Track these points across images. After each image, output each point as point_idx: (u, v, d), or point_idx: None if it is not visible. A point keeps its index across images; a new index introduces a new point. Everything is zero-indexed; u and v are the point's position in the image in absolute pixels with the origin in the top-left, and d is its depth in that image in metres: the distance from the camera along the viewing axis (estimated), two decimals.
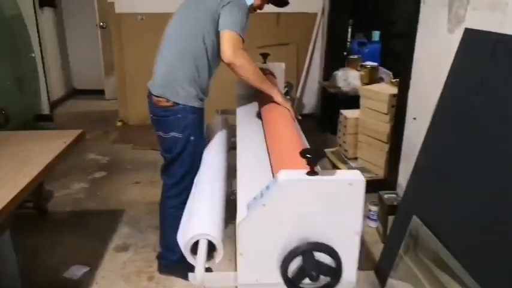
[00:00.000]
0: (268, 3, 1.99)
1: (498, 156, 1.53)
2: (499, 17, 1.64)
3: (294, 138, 1.56)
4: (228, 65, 1.75)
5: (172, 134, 1.92)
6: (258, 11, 2.00)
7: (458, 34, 1.91)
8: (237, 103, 2.62)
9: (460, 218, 1.66)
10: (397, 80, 3.82)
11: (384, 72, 4.10)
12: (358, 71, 3.96)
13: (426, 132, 1.99)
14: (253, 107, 2.31)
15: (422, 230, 1.87)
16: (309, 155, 1.06)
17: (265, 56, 2.76)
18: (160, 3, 3.68)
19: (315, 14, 4.60)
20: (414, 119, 2.41)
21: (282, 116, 1.85)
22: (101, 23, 5.15)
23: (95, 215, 2.87)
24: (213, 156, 2.01)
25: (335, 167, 3.32)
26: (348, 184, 1.08)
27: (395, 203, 2.46)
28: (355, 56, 4.10)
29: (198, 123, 1.95)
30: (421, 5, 2.33)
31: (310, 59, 4.71)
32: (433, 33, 2.21)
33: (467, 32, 1.84)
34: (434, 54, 2.20)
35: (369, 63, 3.91)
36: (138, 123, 4.56)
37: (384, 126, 2.89)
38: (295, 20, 4.56)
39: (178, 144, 1.93)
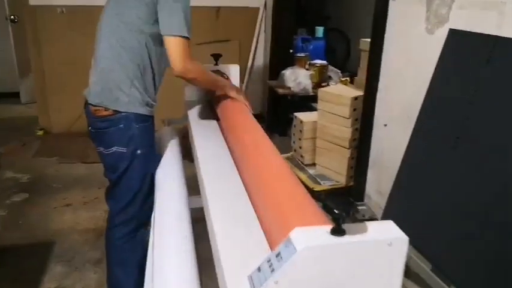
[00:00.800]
0: None
1: (497, 173, 1.37)
2: (495, 17, 1.47)
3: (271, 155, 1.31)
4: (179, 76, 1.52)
5: (115, 148, 1.60)
6: None
7: (440, 35, 1.74)
8: (188, 112, 2.30)
9: (453, 240, 1.48)
10: (347, 78, 3.73)
11: (332, 71, 3.96)
12: (307, 69, 3.78)
13: (408, 143, 1.81)
14: (206, 107, 2.15)
15: (413, 256, 1.69)
16: (336, 212, 0.77)
17: (217, 57, 2.44)
18: None
19: (257, 9, 4.33)
20: (385, 125, 2.23)
21: (242, 116, 1.73)
22: (12, 16, 4.47)
23: (18, 251, 2.37)
24: (170, 181, 1.68)
25: None
26: (386, 245, 0.81)
27: (366, 217, 2.28)
28: (303, 54, 3.90)
29: (146, 134, 1.64)
30: (390, 1, 2.14)
31: (254, 57, 4.44)
32: (406, 33, 2.03)
33: (453, 33, 1.66)
34: (408, 57, 2.02)
35: (318, 62, 3.75)
36: (63, 131, 4.01)
37: (346, 131, 2.70)
38: (236, 14, 4.26)
39: (123, 160, 1.61)
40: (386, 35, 2.18)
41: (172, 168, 1.79)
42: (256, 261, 0.86)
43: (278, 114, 4.19)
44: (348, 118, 2.66)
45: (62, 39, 3.75)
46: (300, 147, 3.09)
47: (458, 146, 1.51)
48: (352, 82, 3.56)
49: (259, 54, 4.48)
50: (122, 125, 1.57)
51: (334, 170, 2.85)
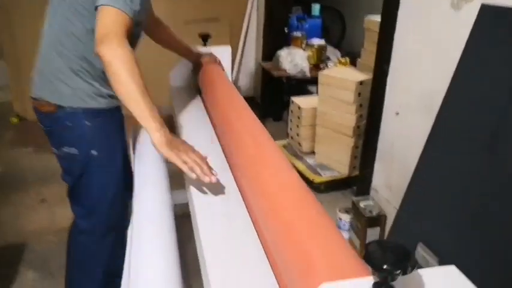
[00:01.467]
0: None
1: None
2: None
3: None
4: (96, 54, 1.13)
5: (65, 149, 1.34)
6: None
7: (469, 11, 1.49)
8: (173, 98, 2.05)
9: (478, 250, 1.27)
10: (346, 59, 3.46)
11: (330, 51, 3.69)
12: (304, 50, 3.50)
13: (428, 137, 1.57)
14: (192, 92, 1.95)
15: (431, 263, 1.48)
16: (386, 268, 0.53)
17: (205, 37, 2.18)
18: None
19: None
20: (397, 114, 1.99)
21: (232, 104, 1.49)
22: None
23: None
24: (151, 183, 1.42)
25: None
26: None
27: (374, 214, 2.06)
28: (299, 34, 3.61)
29: (102, 131, 1.35)
30: None
31: (245, 36, 4.14)
32: (425, 8, 1.77)
33: (486, 9, 1.41)
34: (427, 37, 1.77)
35: (316, 42, 3.47)
36: None
37: (349, 119, 2.46)
38: None
39: (76, 163, 1.36)
40: (399, 12, 1.92)
41: (154, 166, 1.55)
42: None
43: (272, 97, 3.92)
44: (352, 104, 2.41)
45: (37, 20, 3.40)
46: (298, 135, 2.85)
47: (495, 148, 1.28)
48: (352, 63, 3.31)
49: (251, 34, 4.18)
50: (68, 122, 1.30)
51: (336, 159, 2.62)
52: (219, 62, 2.05)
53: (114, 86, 1.12)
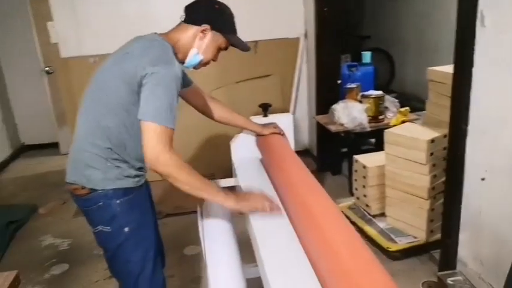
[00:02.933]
0: (225, 49, 1.56)
1: None
2: None
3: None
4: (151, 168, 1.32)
5: (100, 227, 1.48)
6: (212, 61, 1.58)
7: None
8: (236, 170, 2.00)
9: None
10: (407, 109, 3.32)
11: (388, 100, 3.55)
12: (360, 102, 3.39)
13: None
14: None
15: None
16: None
17: (266, 107, 2.13)
18: (113, 42, 3.00)
19: (297, 39, 4.01)
20: (482, 179, 1.81)
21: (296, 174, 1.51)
22: (47, 68, 4.36)
23: None
24: (220, 252, 1.45)
25: (356, 227, 2.69)
26: None
27: None
28: (353, 85, 3.52)
29: (132, 208, 1.48)
30: (478, 27, 1.75)
31: (297, 90, 4.10)
32: (505, 65, 1.64)
33: None
34: (510, 93, 1.62)
35: (373, 93, 3.35)
36: None
37: (423, 179, 2.29)
38: (276, 47, 3.97)
39: (110, 240, 1.49)
40: (475, 68, 1.79)
41: (221, 235, 1.57)
42: None
43: (329, 150, 3.81)
44: (425, 164, 2.25)
45: None
46: (365, 196, 2.69)
47: None
48: (412, 111, 3.16)
49: (303, 87, 4.14)
50: (101, 203, 1.44)
51: (410, 223, 2.44)
52: (283, 133, 1.99)
53: (180, 187, 1.30)
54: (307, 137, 4.29)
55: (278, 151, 1.82)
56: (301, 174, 1.55)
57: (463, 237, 1.98)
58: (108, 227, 1.46)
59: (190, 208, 2.47)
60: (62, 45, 3.53)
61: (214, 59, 1.55)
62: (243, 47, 1.55)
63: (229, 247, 1.51)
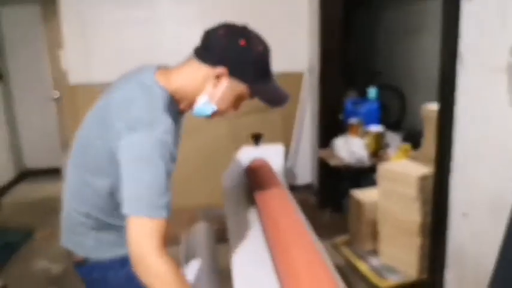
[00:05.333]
0: (251, 98, 1.19)
1: None
2: None
3: None
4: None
5: None
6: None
7: None
8: (226, 200, 2.00)
9: None
10: (408, 145, 3.30)
11: (389, 136, 3.56)
12: (361, 137, 3.40)
13: (503, 245, 1.36)
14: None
15: None
16: None
17: (257, 137, 2.16)
18: (121, 71, 3.11)
19: (301, 74, 4.08)
20: (464, 215, 1.79)
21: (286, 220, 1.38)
22: (55, 95, 4.51)
23: None
24: None
25: (349, 263, 2.65)
26: None
27: None
28: (355, 121, 3.54)
29: (135, 280, 1.12)
30: (458, 66, 1.77)
31: (301, 125, 4.14)
32: (483, 105, 1.65)
33: None
34: (487, 134, 1.63)
35: (374, 128, 3.37)
36: None
37: (414, 216, 2.26)
38: (279, 81, 3.99)
39: None
40: (456, 106, 1.80)
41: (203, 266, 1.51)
42: None
43: (331, 185, 3.79)
44: (415, 200, 2.23)
45: None
46: (359, 231, 2.66)
47: None
48: (413, 147, 3.14)
49: (307, 122, 4.18)
50: (95, 275, 1.20)
51: (402, 260, 2.39)
52: None
53: None
54: (310, 172, 4.29)
55: (263, 183, 1.80)
56: (282, 208, 1.52)
57: (448, 274, 1.93)
58: None
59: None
60: (70, 73, 3.67)
61: (236, 108, 1.20)
62: (276, 101, 1.20)
63: (207, 274, 1.51)
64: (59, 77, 3.97)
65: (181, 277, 1.02)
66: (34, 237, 3.49)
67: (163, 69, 1.17)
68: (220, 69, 1.10)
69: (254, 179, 1.94)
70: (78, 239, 1.19)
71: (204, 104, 1.14)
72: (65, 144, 4.68)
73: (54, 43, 3.97)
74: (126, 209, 1.01)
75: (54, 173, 4.92)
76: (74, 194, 1.19)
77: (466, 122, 1.76)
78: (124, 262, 1.13)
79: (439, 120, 1.89)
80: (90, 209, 1.16)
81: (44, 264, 3.05)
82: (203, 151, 3.54)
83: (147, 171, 1.00)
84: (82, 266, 1.21)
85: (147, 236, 0.98)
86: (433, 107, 2.44)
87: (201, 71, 1.12)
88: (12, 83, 5.00)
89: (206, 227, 1.88)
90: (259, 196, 1.74)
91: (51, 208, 4.00)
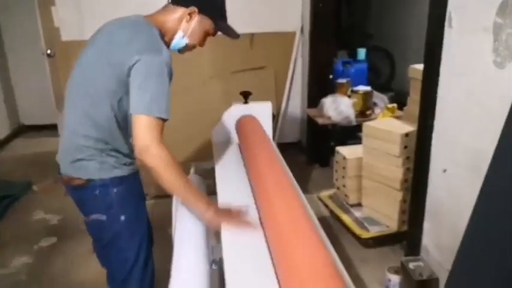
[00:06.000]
0: (213, 35, 1.50)
1: None
2: None
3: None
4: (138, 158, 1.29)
5: (95, 216, 1.44)
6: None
7: None
8: (215, 154, 2.09)
9: None
10: (394, 105, 3.40)
11: (377, 97, 3.64)
12: (349, 96, 3.48)
13: (477, 201, 1.48)
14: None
15: None
16: None
17: (246, 95, 2.23)
18: None
19: (293, 34, 4.09)
20: (444, 171, 1.91)
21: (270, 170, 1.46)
22: (48, 51, 4.47)
23: None
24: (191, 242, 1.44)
25: (334, 215, 2.80)
26: None
27: (425, 277, 1.95)
28: (344, 80, 3.60)
29: (127, 196, 1.45)
30: (446, 28, 1.84)
31: (291, 83, 4.20)
32: (468, 65, 1.72)
33: None
34: (471, 93, 1.71)
35: (361, 88, 3.44)
36: None
37: (396, 171, 2.39)
38: (271, 40, 4.04)
39: (105, 229, 1.45)
40: (442, 67, 1.87)
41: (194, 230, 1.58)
42: None
43: (319, 143, 3.90)
44: (398, 157, 2.35)
45: None
46: (344, 186, 2.79)
47: None
48: (400, 108, 3.23)
49: (297, 80, 4.23)
50: (97, 192, 1.39)
51: (384, 213, 2.53)
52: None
53: (161, 183, 1.26)
54: (299, 130, 4.38)
55: (251, 137, 1.89)
56: (268, 161, 1.58)
57: (427, 225, 2.08)
58: (104, 216, 1.41)
59: None
60: (63, 29, 3.65)
61: (201, 44, 1.49)
62: (232, 34, 1.49)
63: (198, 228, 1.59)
64: (52, 34, 3.93)
65: (175, 163, 1.25)
66: (32, 190, 3.58)
67: (146, 15, 1.42)
68: (192, 9, 1.40)
69: (242, 134, 2.02)
70: (82, 163, 1.36)
71: (180, 39, 1.43)
72: (59, 101, 4.69)
73: (47, 1, 3.90)
74: (135, 109, 1.23)
75: (49, 128, 4.96)
76: (79, 123, 1.35)
77: (451, 81, 1.84)
78: (122, 180, 1.41)
79: (423, 79, 1.97)
80: (99, 132, 1.35)
81: (42, 215, 3.16)
82: (195, 108, 3.59)
83: (155, 82, 1.24)
84: (84, 187, 1.38)
85: (151, 131, 1.21)
86: (419, 67, 2.51)
87: (178, 12, 1.41)
88: (5, 40, 4.94)
89: (198, 178, 1.97)
90: (247, 151, 1.83)
91: (49, 162, 4.10)
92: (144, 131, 1.22)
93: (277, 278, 1.05)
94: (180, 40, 1.43)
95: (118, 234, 1.44)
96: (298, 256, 0.96)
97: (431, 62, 1.92)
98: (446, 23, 1.83)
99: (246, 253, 1.18)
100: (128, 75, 1.27)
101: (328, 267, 0.91)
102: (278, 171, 1.45)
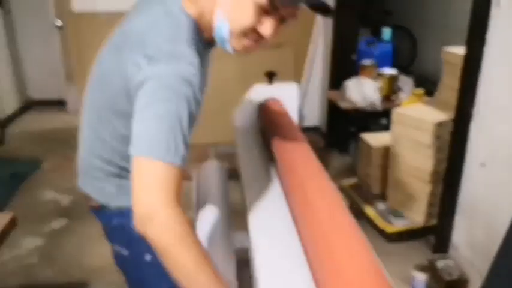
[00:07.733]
0: (274, 11, 0.92)
1: None
2: None
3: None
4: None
5: (116, 248, 1.16)
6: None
7: None
8: (237, 140, 1.96)
9: None
10: (421, 90, 3.21)
11: (402, 80, 3.45)
12: (374, 80, 3.30)
13: None
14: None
15: None
16: None
17: (271, 75, 2.08)
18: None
19: None
20: (482, 165, 1.75)
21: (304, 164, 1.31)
22: (58, 23, 4.34)
23: None
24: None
25: (356, 207, 2.66)
26: None
27: (455, 277, 1.82)
28: (369, 62, 3.42)
29: None
30: (493, 7, 1.65)
31: (312, 63, 4.01)
32: None
33: None
34: None
35: (388, 71, 3.25)
36: None
37: (426, 162, 2.23)
38: None
39: (129, 267, 1.16)
40: (486, 50, 1.70)
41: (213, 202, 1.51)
42: None
43: (338, 128, 3.75)
44: (430, 147, 2.19)
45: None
46: (368, 175, 2.65)
47: None
48: (427, 93, 3.05)
49: (318, 61, 4.04)
50: (114, 222, 1.11)
51: (411, 206, 2.39)
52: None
53: (167, 263, 0.84)
54: (318, 113, 4.22)
55: (278, 127, 1.74)
56: (300, 153, 1.47)
57: (457, 222, 1.95)
58: (126, 251, 1.13)
59: None
60: (74, 0, 3.51)
61: (257, 28, 0.91)
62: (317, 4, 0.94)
63: (218, 214, 1.50)
64: (62, 5, 3.79)
65: (190, 233, 0.84)
66: (42, 168, 3.51)
67: None
68: None
69: (268, 121, 1.88)
70: (99, 184, 1.10)
71: (220, 23, 0.91)
72: (69, 75, 4.59)
73: None
74: (133, 148, 0.85)
75: (59, 104, 4.87)
76: (92, 137, 1.08)
77: (496, 68, 1.67)
78: None
79: (465, 63, 1.80)
80: (112, 154, 1.04)
81: (52, 196, 3.08)
82: (212, 88, 3.45)
83: (165, 109, 0.83)
84: (99, 211, 1.14)
85: (160, 184, 0.81)
86: (456, 50, 2.33)
87: None
88: (14, 11, 4.79)
89: (217, 164, 1.86)
90: (275, 141, 1.70)
91: (58, 139, 4.03)
92: (148, 186, 0.82)
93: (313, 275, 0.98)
94: (221, 25, 0.91)
95: (144, 276, 1.13)
96: (344, 257, 0.86)
97: (474, 46, 1.75)
98: (494, 2, 1.65)
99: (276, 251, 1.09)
100: (136, 89, 0.88)
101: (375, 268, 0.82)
102: (312, 165, 1.33)
